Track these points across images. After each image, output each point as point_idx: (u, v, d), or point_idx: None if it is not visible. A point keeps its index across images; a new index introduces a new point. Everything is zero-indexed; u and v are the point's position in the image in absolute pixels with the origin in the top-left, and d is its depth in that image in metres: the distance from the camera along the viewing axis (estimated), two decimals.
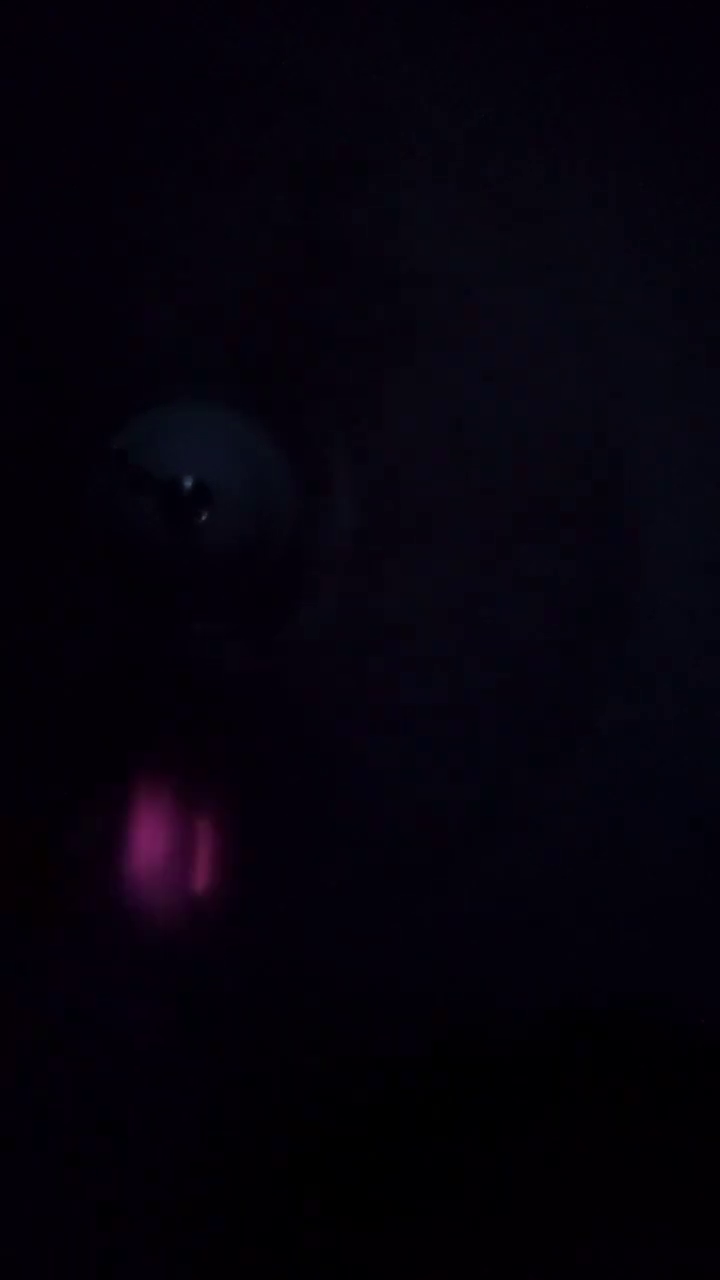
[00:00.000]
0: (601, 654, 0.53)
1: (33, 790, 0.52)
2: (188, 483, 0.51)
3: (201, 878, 0.52)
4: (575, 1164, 0.50)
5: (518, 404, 0.53)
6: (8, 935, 0.52)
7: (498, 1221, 0.50)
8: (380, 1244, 0.50)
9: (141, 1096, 0.51)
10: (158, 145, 0.52)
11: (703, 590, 0.53)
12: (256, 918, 0.52)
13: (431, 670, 0.53)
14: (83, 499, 0.52)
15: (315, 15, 0.52)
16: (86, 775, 0.53)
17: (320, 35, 0.52)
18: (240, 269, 0.53)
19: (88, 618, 0.53)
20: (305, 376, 0.53)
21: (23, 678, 0.53)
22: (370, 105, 0.52)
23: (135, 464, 0.51)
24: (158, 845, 0.52)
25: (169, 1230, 0.50)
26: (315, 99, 0.52)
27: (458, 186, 0.53)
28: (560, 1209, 0.50)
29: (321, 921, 0.52)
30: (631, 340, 0.53)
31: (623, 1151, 0.50)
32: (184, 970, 0.52)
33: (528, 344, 0.53)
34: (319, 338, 0.53)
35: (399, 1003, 0.51)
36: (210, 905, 0.52)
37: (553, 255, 0.53)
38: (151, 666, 0.53)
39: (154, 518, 0.52)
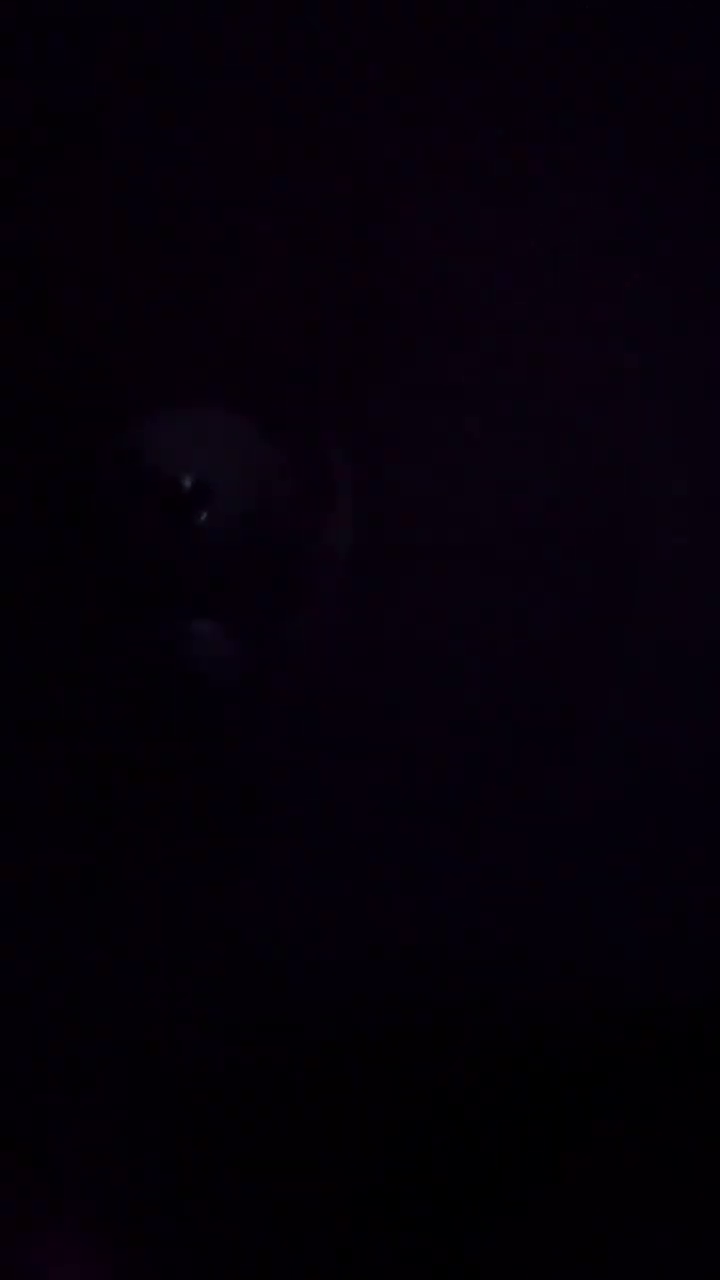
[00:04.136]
0: (602, 655, 0.53)
1: (31, 792, 0.52)
2: (188, 483, 0.51)
3: None
4: (579, 1159, 0.50)
5: (518, 407, 0.53)
6: None
7: (495, 1221, 0.50)
8: (377, 1244, 0.50)
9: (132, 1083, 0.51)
10: (161, 144, 0.52)
11: (703, 591, 0.53)
12: (257, 917, 0.52)
13: (432, 670, 0.53)
14: (82, 498, 0.52)
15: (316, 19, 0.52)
16: (85, 775, 0.53)
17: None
18: (241, 269, 0.53)
19: (87, 617, 0.53)
20: (306, 377, 0.53)
21: (21, 677, 0.53)
22: (370, 107, 0.52)
23: (135, 464, 0.51)
24: None
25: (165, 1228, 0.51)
26: (316, 101, 0.52)
27: (458, 186, 0.53)
28: (559, 1208, 0.50)
29: (321, 921, 0.52)
30: (634, 342, 0.53)
31: (627, 1146, 0.50)
32: (188, 972, 0.52)
33: (527, 347, 0.53)
34: (320, 338, 0.53)
35: (401, 1002, 0.52)
36: (211, 909, 0.52)
37: (553, 255, 0.53)
38: (151, 667, 0.53)
39: (154, 518, 0.51)
